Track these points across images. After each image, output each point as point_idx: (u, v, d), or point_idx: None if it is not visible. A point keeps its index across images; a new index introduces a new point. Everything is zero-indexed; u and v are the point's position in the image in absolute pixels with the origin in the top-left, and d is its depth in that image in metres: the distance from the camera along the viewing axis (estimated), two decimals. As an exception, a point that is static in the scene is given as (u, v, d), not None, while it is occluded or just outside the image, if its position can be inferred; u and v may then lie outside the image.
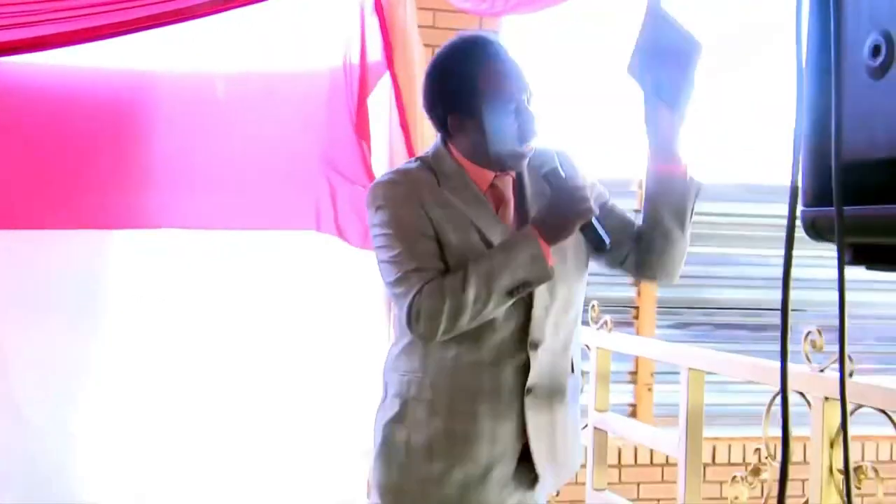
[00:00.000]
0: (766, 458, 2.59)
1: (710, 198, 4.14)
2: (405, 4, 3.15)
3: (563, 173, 1.96)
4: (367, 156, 3.17)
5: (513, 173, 2.09)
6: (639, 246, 2.10)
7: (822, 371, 2.22)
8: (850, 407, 2.04)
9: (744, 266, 4.82)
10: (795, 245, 0.87)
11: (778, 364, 0.90)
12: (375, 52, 3.16)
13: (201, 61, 3.17)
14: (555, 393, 2.08)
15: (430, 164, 2.08)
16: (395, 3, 3.14)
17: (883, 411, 2.08)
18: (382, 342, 2.99)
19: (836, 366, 2.04)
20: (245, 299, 3.21)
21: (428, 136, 2.70)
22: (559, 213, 1.94)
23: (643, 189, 2.12)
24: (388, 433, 2.08)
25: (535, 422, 2.05)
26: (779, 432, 0.87)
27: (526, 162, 2.06)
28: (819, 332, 2.17)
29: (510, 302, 1.95)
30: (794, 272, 0.87)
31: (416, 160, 2.15)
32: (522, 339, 2.03)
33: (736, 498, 2.68)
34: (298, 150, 3.23)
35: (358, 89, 3.17)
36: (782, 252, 0.86)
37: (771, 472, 2.61)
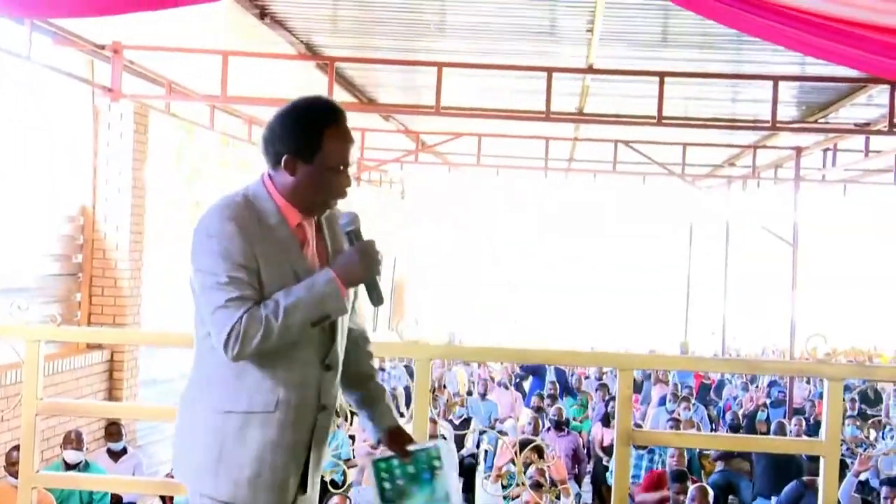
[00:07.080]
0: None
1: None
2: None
3: (363, 235, 2.42)
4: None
5: (315, 218, 2.47)
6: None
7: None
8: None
9: None
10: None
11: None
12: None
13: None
14: (333, 409, 2.51)
15: (249, 200, 2.38)
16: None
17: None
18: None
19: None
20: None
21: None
22: (358, 264, 2.37)
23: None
24: (219, 454, 2.37)
25: (320, 435, 2.46)
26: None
27: (327, 213, 2.47)
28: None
29: (311, 329, 2.34)
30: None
31: (239, 194, 2.40)
32: (322, 363, 2.44)
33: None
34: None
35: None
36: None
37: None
